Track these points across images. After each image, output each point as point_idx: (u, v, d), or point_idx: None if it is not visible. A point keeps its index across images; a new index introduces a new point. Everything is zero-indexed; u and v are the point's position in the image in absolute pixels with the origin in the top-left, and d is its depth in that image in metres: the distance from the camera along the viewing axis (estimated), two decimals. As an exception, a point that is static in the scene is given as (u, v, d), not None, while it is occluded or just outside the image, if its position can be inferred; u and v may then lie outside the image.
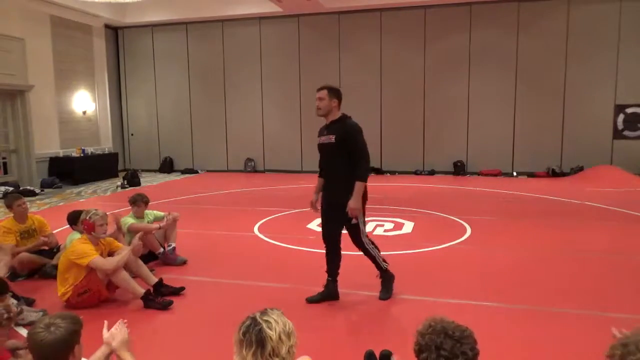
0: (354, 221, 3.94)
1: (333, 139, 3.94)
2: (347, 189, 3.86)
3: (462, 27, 12.65)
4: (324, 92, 3.98)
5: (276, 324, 1.78)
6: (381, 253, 4.19)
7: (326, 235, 4.13)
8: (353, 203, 3.85)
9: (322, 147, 4.10)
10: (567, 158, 12.41)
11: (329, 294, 4.09)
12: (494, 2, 12.43)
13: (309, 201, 4.26)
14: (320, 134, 4.12)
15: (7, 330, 2.39)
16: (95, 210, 4.17)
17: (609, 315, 3.70)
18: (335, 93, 4.00)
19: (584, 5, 11.96)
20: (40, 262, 4.91)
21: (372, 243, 4.13)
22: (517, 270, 4.88)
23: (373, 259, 4.15)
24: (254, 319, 1.79)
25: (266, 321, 1.78)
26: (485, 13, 12.49)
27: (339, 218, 3.97)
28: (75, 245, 4.05)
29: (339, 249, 4.14)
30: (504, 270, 4.91)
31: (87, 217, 4.09)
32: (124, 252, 4.13)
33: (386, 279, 4.18)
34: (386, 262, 4.17)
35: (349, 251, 5.58)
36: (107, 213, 4.31)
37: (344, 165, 3.92)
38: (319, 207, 4.18)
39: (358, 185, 3.84)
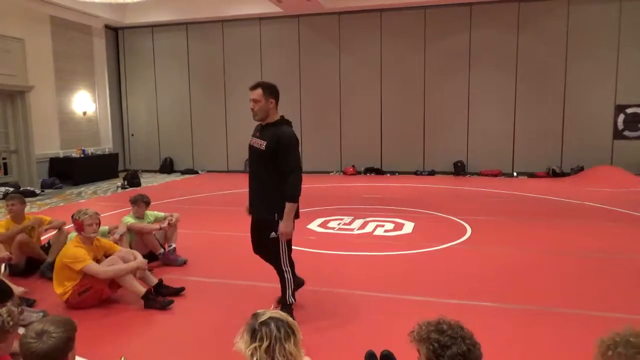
0: (272, 235, 3.48)
1: (263, 146, 3.44)
2: (271, 206, 3.42)
3: (462, 27, 12.66)
4: (259, 92, 3.45)
5: (285, 316, 1.85)
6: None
7: (259, 254, 3.84)
8: (283, 227, 3.40)
9: (251, 150, 3.62)
10: (567, 158, 12.41)
11: (297, 285, 3.83)
12: (494, 2, 12.43)
13: (245, 207, 3.87)
14: (254, 133, 3.63)
15: (13, 335, 2.38)
16: (86, 209, 4.16)
17: (609, 315, 3.70)
18: (271, 91, 3.49)
19: (584, 5, 11.96)
20: (37, 253, 4.94)
21: (291, 267, 3.65)
22: (517, 271, 4.88)
23: (283, 287, 3.62)
24: (271, 318, 1.81)
25: (281, 314, 1.84)
26: (485, 13, 12.49)
27: (264, 236, 3.55)
28: (69, 249, 4.03)
29: None
30: (504, 270, 4.91)
31: (77, 217, 4.10)
32: (125, 265, 4.08)
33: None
34: (294, 299, 3.66)
35: (347, 251, 5.60)
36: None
37: (270, 178, 3.46)
38: None
39: (288, 207, 3.38)
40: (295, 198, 3.43)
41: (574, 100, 12.21)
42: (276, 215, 3.47)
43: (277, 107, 3.56)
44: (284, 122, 3.57)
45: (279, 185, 3.44)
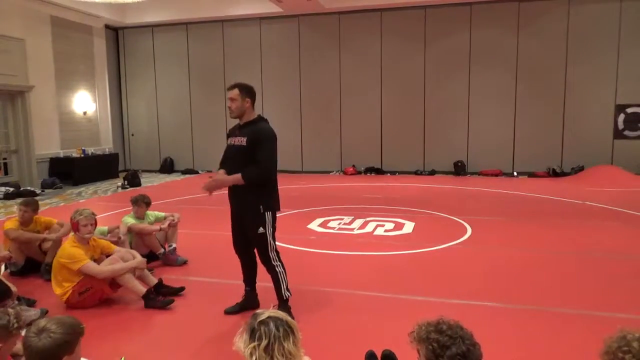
0: (260, 230, 3.58)
1: (244, 142, 3.59)
2: (256, 199, 3.56)
3: (462, 27, 12.65)
4: (235, 92, 3.65)
5: (285, 315, 1.86)
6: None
7: (238, 249, 3.88)
8: (216, 179, 3.64)
9: (231, 149, 3.75)
10: (567, 158, 12.41)
11: (248, 303, 3.88)
12: (494, 2, 12.42)
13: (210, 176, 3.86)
14: (232, 134, 3.78)
15: (15, 337, 2.38)
16: (82, 210, 4.16)
17: (609, 315, 3.70)
18: (247, 92, 3.68)
19: (584, 5, 11.95)
20: (37, 253, 4.91)
21: (280, 262, 3.71)
22: (517, 270, 4.89)
23: (276, 282, 3.69)
24: (270, 317, 1.82)
25: (280, 314, 1.85)
26: (485, 13, 12.49)
27: (251, 231, 3.63)
28: (66, 249, 4.03)
29: (254, 261, 3.87)
30: (504, 270, 4.91)
31: (73, 217, 4.10)
32: (123, 264, 4.06)
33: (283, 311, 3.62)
34: (289, 292, 3.70)
35: (347, 251, 5.60)
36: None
37: None
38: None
39: (236, 176, 3.54)
40: (250, 178, 3.53)
41: (574, 100, 12.20)
42: (261, 207, 3.57)
43: (253, 107, 3.74)
44: (261, 119, 3.75)
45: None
